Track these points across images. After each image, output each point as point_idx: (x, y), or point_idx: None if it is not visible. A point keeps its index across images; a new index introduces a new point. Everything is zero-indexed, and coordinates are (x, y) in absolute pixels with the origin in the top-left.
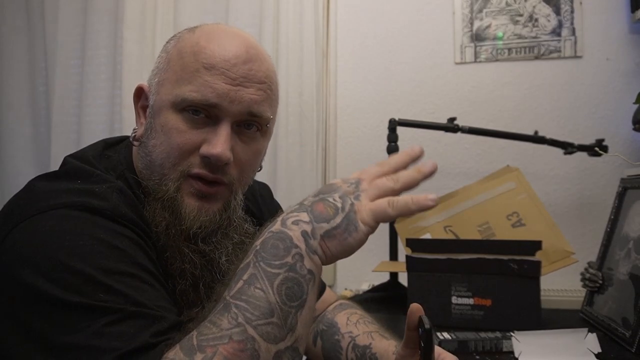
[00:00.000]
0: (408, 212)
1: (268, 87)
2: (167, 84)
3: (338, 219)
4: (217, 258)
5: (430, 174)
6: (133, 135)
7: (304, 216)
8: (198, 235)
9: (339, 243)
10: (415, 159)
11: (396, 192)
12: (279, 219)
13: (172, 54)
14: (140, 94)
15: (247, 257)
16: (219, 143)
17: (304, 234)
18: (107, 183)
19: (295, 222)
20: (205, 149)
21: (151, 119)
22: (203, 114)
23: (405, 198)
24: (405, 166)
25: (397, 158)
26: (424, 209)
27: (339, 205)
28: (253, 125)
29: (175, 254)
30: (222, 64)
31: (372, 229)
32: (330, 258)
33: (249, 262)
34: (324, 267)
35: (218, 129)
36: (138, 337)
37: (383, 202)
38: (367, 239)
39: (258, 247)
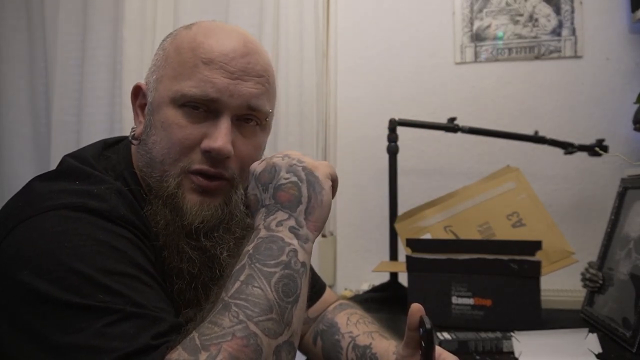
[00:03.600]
0: None
1: (266, 81)
2: (165, 81)
3: (305, 191)
4: (218, 254)
5: None
6: (132, 134)
7: (281, 215)
8: (200, 231)
9: (319, 208)
10: None
11: None
12: (261, 226)
13: (169, 51)
14: (137, 93)
15: (240, 261)
16: (220, 137)
17: (292, 229)
18: (106, 184)
19: (279, 224)
20: (206, 143)
21: (150, 116)
22: (202, 108)
23: None
24: None
25: None
26: None
27: (295, 179)
28: (252, 119)
29: (173, 253)
30: (220, 58)
31: (332, 181)
32: (319, 229)
33: (244, 265)
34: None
35: (218, 123)
36: (139, 338)
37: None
38: (334, 188)
39: (251, 251)
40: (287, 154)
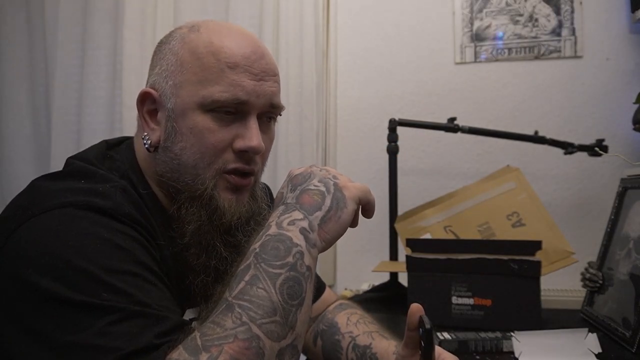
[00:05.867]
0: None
1: (279, 79)
2: (187, 86)
3: (328, 202)
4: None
5: None
6: (147, 142)
7: (297, 214)
8: (238, 227)
9: (335, 223)
10: None
11: None
12: (273, 222)
13: (182, 55)
14: (145, 99)
15: (245, 260)
16: (254, 136)
17: (303, 230)
18: (111, 182)
19: (291, 223)
20: (241, 144)
21: (173, 123)
22: (232, 111)
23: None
24: None
25: None
26: None
27: (323, 189)
28: (271, 115)
29: (202, 251)
30: (244, 62)
31: (358, 205)
32: (328, 242)
33: (249, 264)
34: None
35: (248, 123)
36: (141, 337)
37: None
38: (355, 212)
39: (257, 250)
40: (327, 169)
